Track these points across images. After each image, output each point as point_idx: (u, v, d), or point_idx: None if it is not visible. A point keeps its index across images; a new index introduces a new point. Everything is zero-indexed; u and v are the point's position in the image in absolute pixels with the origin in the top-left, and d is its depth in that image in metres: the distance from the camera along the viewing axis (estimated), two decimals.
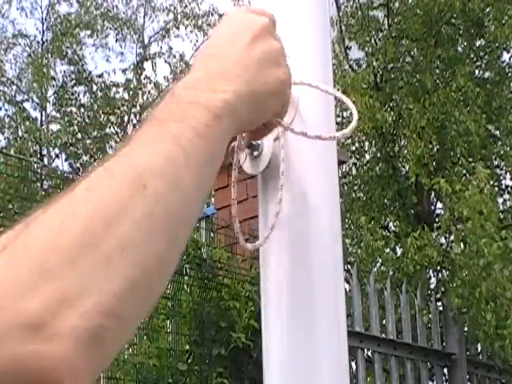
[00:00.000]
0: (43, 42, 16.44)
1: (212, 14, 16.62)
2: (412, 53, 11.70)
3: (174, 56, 16.77)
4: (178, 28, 16.88)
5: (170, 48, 16.84)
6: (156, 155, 0.62)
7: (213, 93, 0.71)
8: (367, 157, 12.13)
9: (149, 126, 0.66)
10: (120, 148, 0.63)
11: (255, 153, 0.88)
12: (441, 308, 6.74)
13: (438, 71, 11.62)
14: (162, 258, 0.59)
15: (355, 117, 0.88)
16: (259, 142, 0.88)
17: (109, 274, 0.54)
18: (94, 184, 0.58)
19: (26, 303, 0.51)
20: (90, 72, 16.53)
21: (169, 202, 0.61)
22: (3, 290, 0.51)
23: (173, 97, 0.70)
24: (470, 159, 10.79)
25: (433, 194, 11.32)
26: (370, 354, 6.05)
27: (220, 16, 16.43)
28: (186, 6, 16.86)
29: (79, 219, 0.55)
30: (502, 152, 11.69)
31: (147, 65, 16.90)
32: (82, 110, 16.45)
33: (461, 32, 11.79)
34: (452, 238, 8.06)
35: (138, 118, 16.87)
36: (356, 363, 5.78)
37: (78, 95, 16.52)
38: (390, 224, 11.96)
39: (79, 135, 16.19)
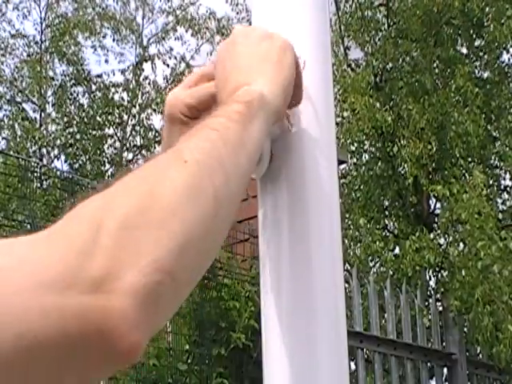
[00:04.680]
0: (42, 42, 16.44)
1: (209, 18, 16.62)
2: (411, 53, 11.70)
3: (175, 57, 16.78)
4: (175, 30, 16.89)
5: (171, 49, 16.85)
6: (194, 140, 0.68)
7: (237, 88, 0.77)
8: (367, 157, 12.13)
9: (182, 139, 0.71)
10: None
11: None
12: (441, 308, 6.74)
13: (437, 71, 11.63)
14: (208, 224, 0.64)
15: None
16: None
17: (163, 234, 0.58)
18: (147, 167, 0.64)
19: (90, 259, 0.54)
20: (89, 72, 16.53)
21: (212, 175, 0.65)
22: (70, 245, 0.55)
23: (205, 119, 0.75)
24: (469, 159, 10.80)
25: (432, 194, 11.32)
26: (370, 353, 6.05)
27: (216, 19, 16.44)
28: (184, 9, 16.86)
29: (135, 190, 0.60)
30: (501, 152, 11.69)
31: (146, 65, 16.92)
32: (81, 110, 16.45)
33: (460, 32, 11.79)
34: (451, 239, 8.07)
35: (137, 118, 16.87)
36: (356, 363, 5.79)
37: (77, 95, 16.52)
38: (390, 224, 11.96)
39: (78, 135, 16.19)
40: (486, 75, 12.18)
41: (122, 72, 16.69)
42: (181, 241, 0.59)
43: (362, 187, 11.76)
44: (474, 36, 11.98)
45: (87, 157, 16.16)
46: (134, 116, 16.90)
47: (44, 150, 15.83)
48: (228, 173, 0.67)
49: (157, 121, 16.63)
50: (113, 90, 16.55)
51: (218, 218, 0.65)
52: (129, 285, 0.55)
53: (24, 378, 0.52)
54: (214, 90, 0.84)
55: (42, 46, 16.45)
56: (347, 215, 11.09)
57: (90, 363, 0.55)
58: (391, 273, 8.58)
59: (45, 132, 15.84)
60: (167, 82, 16.71)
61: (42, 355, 0.52)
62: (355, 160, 12.06)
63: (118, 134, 16.78)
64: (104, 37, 16.67)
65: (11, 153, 12.96)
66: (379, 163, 11.64)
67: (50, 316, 0.52)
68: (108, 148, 16.75)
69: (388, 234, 11.32)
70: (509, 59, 12.25)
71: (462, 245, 7.27)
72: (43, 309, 0.52)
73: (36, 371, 0.52)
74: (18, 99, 16.33)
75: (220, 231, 0.67)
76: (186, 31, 16.59)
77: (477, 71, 12.11)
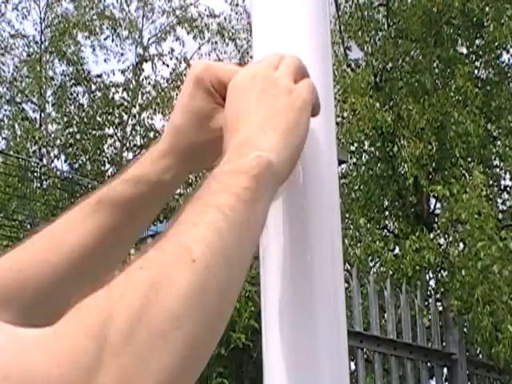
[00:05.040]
0: (42, 42, 16.44)
1: (208, 17, 16.62)
2: (411, 53, 11.70)
3: (177, 58, 16.78)
4: (174, 30, 16.88)
5: (172, 50, 16.85)
6: (202, 228, 0.63)
7: (246, 158, 0.72)
8: (366, 157, 12.13)
9: (191, 205, 0.67)
10: (167, 230, 0.64)
11: None
12: (441, 308, 6.74)
13: (437, 71, 11.63)
14: (212, 329, 0.61)
15: None
16: None
17: (166, 349, 0.55)
18: (147, 261, 0.60)
19: (92, 378, 0.52)
20: (89, 72, 16.53)
21: (217, 272, 0.62)
22: (75, 361, 0.52)
23: (210, 177, 0.71)
24: (469, 159, 10.80)
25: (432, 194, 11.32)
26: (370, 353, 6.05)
27: (215, 17, 16.43)
28: (185, 8, 16.86)
29: (135, 296, 0.56)
30: (501, 152, 11.69)
31: (146, 65, 16.92)
32: (81, 110, 16.45)
33: (460, 32, 11.79)
34: (451, 238, 8.08)
35: (137, 118, 16.87)
36: (356, 363, 5.79)
37: (77, 95, 16.52)
38: (390, 224, 11.96)
39: (78, 135, 16.19)
40: (485, 75, 12.18)
41: (122, 72, 16.70)
42: (185, 356, 0.57)
43: (361, 187, 11.76)
44: (474, 36, 11.98)
45: (87, 157, 16.17)
46: (134, 116, 16.91)
47: (44, 150, 15.83)
48: (232, 264, 0.64)
49: (157, 121, 16.65)
50: (113, 89, 16.56)
51: (221, 316, 0.63)
52: None
53: None
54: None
55: (42, 46, 16.46)
56: (347, 215, 11.09)
57: None
58: (391, 273, 8.58)
59: (45, 132, 15.84)
60: (167, 81, 16.72)
61: None
62: (355, 160, 12.06)
63: (118, 134, 16.79)
64: (106, 39, 16.69)
65: (11, 153, 12.96)
66: (379, 163, 11.64)
67: None
68: (108, 148, 16.76)
69: (388, 233, 11.33)
70: (509, 59, 12.26)
71: (461, 245, 7.27)
72: None
73: None
74: (18, 99, 16.34)
75: (222, 325, 0.64)
76: (188, 33, 16.58)
77: (477, 71, 12.11)
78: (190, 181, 12.15)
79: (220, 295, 0.62)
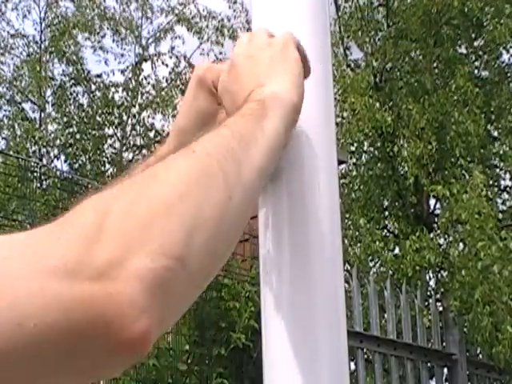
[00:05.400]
0: (41, 42, 16.44)
1: (207, 18, 16.60)
2: (411, 53, 11.70)
3: (177, 57, 16.77)
4: (173, 30, 16.88)
5: (172, 48, 16.83)
6: (206, 135, 0.68)
7: (253, 92, 0.77)
8: (366, 157, 12.13)
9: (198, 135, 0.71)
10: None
11: None
12: (441, 308, 6.74)
13: (437, 71, 11.63)
14: (219, 210, 0.62)
15: None
16: None
17: (170, 219, 0.57)
18: (156, 164, 0.63)
19: (96, 245, 0.53)
20: (89, 72, 16.53)
21: (221, 161, 0.65)
22: (75, 232, 0.54)
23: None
24: (469, 159, 10.79)
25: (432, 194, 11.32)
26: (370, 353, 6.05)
27: (214, 17, 16.43)
28: (182, 9, 16.85)
29: (142, 181, 0.60)
30: (501, 152, 11.69)
31: (146, 65, 16.91)
32: (81, 110, 16.44)
33: (460, 32, 11.79)
34: (451, 239, 8.08)
35: (137, 118, 16.87)
36: (356, 363, 5.79)
37: (77, 95, 16.51)
38: (390, 224, 11.96)
39: (78, 135, 16.19)
40: (485, 75, 12.18)
41: (122, 72, 16.69)
42: (190, 225, 0.58)
43: (361, 187, 11.77)
44: (474, 36, 11.98)
45: (87, 157, 16.15)
46: (134, 116, 16.89)
47: (44, 150, 15.83)
48: (240, 163, 0.67)
49: (157, 120, 16.64)
50: (113, 89, 16.55)
51: (232, 204, 0.64)
52: (134, 270, 0.53)
53: (23, 370, 0.49)
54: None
55: (42, 46, 16.45)
56: (347, 215, 11.10)
57: (96, 355, 0.52)
58: (391, 273, 8.58)
59: (44, 132, 15.84)
60: (167, 81, 16.71)
61: (43, 345, 0.49)
62: (355, 160, 12.06)
63: (118, 134, 16.77)
64: (103, 37, 16.67)
65: (11, 153, 12.96)
66: (379, 163, 11.64)
67: (52, 303, 0.49)
68: (108, 148, 16.74)
69: (388, 233, 11.33)
70: (509, 59, 12.26)
71: (461, 245, 7.27)
72: (45, 296, 0.49)
73: (36, 363, 0.50)
74: (18, 99, 16.33)
75: (236, 218, 0.65)
76: (188, 29, 16.55)
77: (477, 71, 12.11)
78: None
79: (227, 184, 0.64)
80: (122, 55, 16.84)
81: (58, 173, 10.24)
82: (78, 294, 0.51)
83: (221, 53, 16.16)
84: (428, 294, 8.47)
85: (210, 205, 0.61)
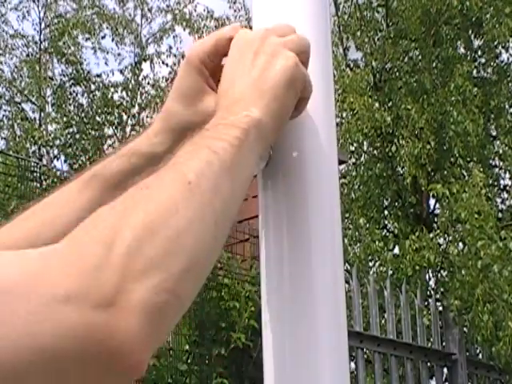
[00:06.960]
0: (41, 42, 16.43)
1: (207, 18, 16.59)
2: (410, 53, 11.71)
3: (175, 55, 16.76)
4: (173, 30, 16.87)
5: (170, 47, 16.83)
6: (196, 161, 0.68)
7: (236, 116, 0.75)
8: (366, 157, 12.13)
9: (184, 147, 0.71)
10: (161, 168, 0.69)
11: None
12: (440, 308, 6.74)
13: (436, 71, 11.63)
14: (210, 248, 0.66)
15: None
16: None
17: (172, 257, 0.60)
18: (145, 183, 0.65)
19: (103, 276, 0.55)
20: (89, 72, 16.52)
21: (212, 200, 0.66)
22: (84, 261, 0.56)
23: (202, 129, 0.74)
24: (468, 159, 10.80)
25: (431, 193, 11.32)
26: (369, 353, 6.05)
27: (215, 18, 16.41)
28: (184, 5, 16.84)
29: (140, 211, 0.61)
30: (500, 151, 11.70)
31: (145, 65, 16.90)
32: (81, 110, 16.44)
33: (459, 32, 11.79)
34: (451, 238, 8.08)
35: (136, 118, 16.86)
36: (356, 363, 5.79)
37: (77, 95, 16.50)
38: (389, 224, 11.96)
39: (78, 135, 16.18)
40: (484, 75, 12.18)
41: (121, 72, 16.69)
42: (187, 264, 0.61)
43: (361, 187, 11.77)
44: (473, 35, 11.99)
45: (87, 157, 16.15)
46: (134, 116, 16.89)
47: (43, 150, 15.82)
48: (225, 198, 0.69)
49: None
50: (112, 89, 16.55)
51: (217, 242, 0.67)
52: (137, 303, 0.56)
53: None
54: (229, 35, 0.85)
55: (41, 46, 16.44)
56: (347, 215, 11.10)
57: (95, 378, 0.55)
58: (391, 273, 8.58)
59: (44, 132, 15.83)
60: (166, 80, 16.70)
61: (46, 368, 0.52)
62: (354, 160, 12.06)
63: (118, 134, 16.77)
64: (104, 37, 16.67)
65: (11, 153, 12.95)
66: (378, 163, 11.64)
67: (60, 329, 0.52)
68: (108, 148, 16.73)
69: (388, 233, 11.33)
70: (508, 58, 12.26)
71: (461, 244, 7.27)
72: (53, 322, 0.52)
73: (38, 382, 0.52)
74: (18, 99, 16.33)
75: (217, 253, 0.69)
76: (184, 29, 16.56)
77: (476, 71, 12.11)
78: None
79: (216, 224, 0.66)
80: (119, 54, 16.84)
81: (57, 173, 10.23)
82: (85, 322, 0.53)
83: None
84: (428, 293, 8.47)
85: (203, 247, 0.64)
